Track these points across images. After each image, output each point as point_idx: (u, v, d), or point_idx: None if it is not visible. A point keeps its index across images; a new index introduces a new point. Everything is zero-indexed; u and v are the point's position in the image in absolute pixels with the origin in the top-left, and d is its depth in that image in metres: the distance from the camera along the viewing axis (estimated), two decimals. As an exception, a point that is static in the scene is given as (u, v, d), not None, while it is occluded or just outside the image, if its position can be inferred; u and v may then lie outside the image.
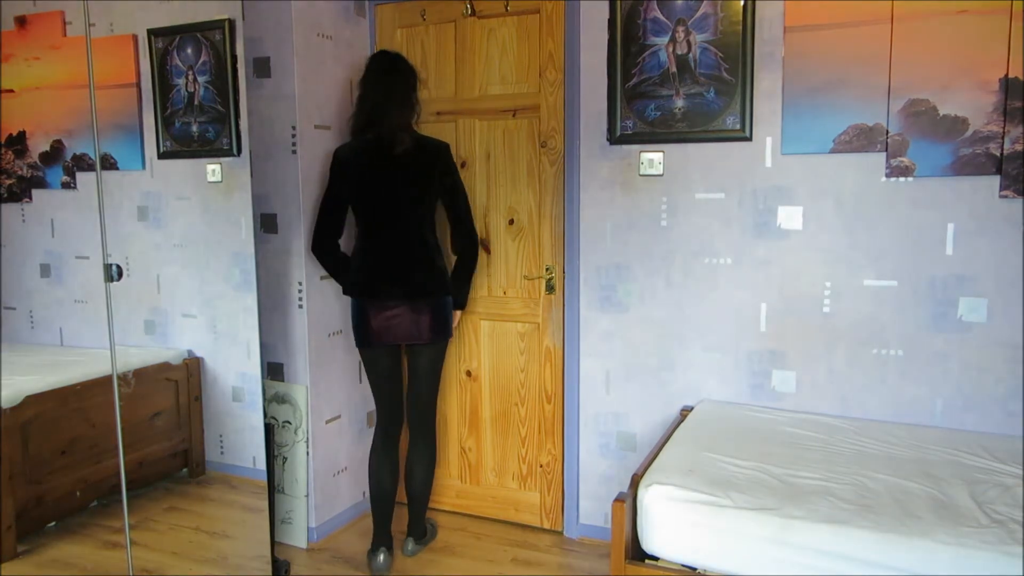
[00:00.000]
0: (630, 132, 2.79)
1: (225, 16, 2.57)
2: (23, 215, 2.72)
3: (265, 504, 2.67)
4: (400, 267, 2.66)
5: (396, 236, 2.66)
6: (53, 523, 2.61)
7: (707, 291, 2.76)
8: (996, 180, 2.34)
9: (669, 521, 1.99)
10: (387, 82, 2.62)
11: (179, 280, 2.74)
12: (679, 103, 2.70)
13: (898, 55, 2.41)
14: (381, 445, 2.81)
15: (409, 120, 2.65)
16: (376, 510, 2.81)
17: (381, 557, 2.76)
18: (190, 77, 2.63)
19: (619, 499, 2.04)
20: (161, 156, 2.67)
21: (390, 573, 2.78)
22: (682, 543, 1.98)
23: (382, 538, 2.80)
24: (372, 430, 3.33)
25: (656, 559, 2.04)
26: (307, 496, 2.98)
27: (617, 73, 2.78)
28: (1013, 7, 2.27)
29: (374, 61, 2.69)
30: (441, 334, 2.74)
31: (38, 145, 2.67)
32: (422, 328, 2.68)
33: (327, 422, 3.07)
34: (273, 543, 2.70)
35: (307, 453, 2.97)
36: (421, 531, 2.92)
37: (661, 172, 2.78)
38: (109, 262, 2.28)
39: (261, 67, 2.86)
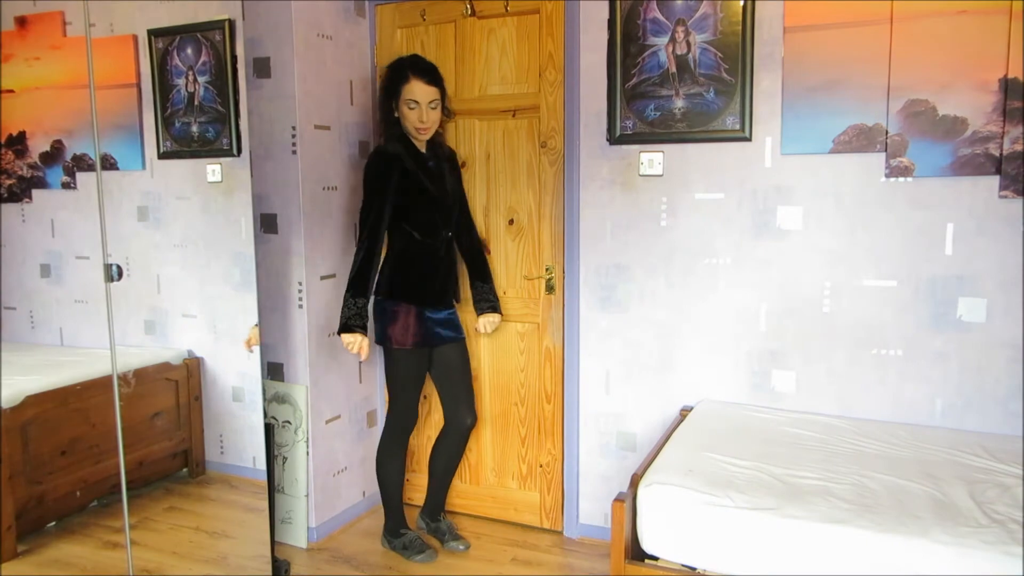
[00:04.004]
0: (630, 132, 2.79)
1: (225, 16, 2.56)
2: (23, 215, 2.72)
3: (265, 504, 2.68)
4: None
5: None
6: (53, 523, 2.61)
7: (707, 291, 2.76)
8: (996, 180, 2.35)
9: (669, 521, 1.99)
10: None
11: (179, 280, 2.74)
12: (679, 103, 2.70)
13: (898, 55, 2.41)
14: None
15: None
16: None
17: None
18: (190, 77, 2.63)
19: (619, 499, 2.04)
20: (161, 156, 2.67)
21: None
22: (682, 543, 1.98)
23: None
24: (372, 430, 3.34)
25: (656, 559, 2.04)
26: (307, 496, 2.98)
27: (617, 73, 2.78)
28: (1013, 7, 2.27)
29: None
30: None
31: (38, 145, 2.67)
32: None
33: (327, 422, 3.07)
34: (273, 543, 2.70)
35: (307, 453, 2.97)
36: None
37: (661, 172, 2.78)
38: (109, 262, 2.28)
39: (261, 67, 2.86)
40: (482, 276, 2.91)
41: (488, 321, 2.91)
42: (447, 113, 2.74)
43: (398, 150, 2.67)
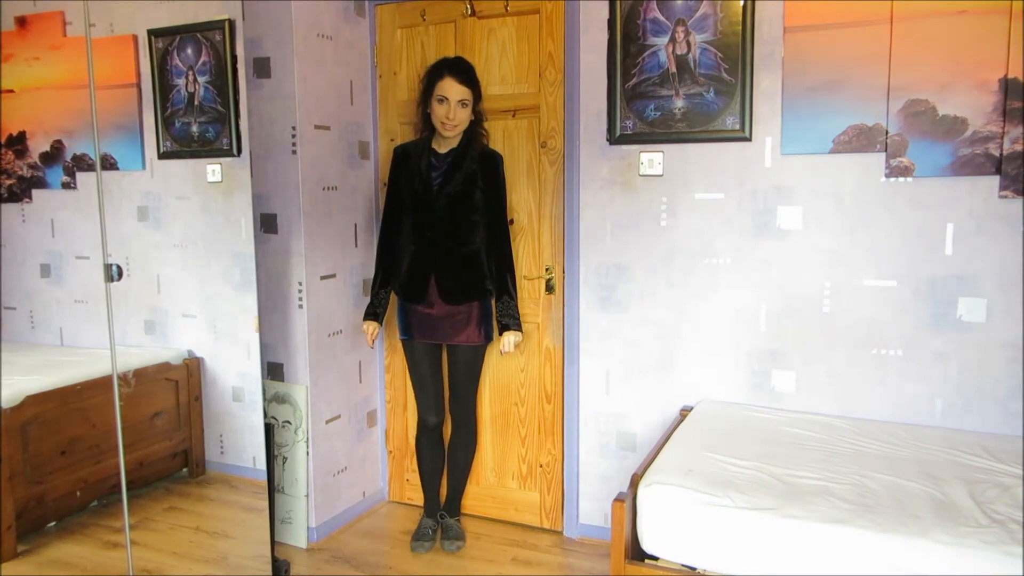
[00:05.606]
0: (630, 132, 2.79)
1: (225, 16, 2.56)
2: (23, 215, 2.72)
3: (265, 504, 2.68)
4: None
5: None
6: (53, 523, 2.60)
7: (707, 291, 2.76)
8: (995, 180, 2.35)
9: (669, 521, 1.99)
10: None
11: (179, 280, 2.74)
12: (679, 103, 2.70)
13: (897, 55, 2.41)
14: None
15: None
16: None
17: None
18: (190, 77, 2.63)
19: (619, 499, 2.04)
20: (161, 156, 2.67)
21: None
22: (682, 543, 1.98)
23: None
24: (372, 430, 3.34)
25: (656, 559, 2.04)
26: (307, 496, 2.99)
27: (617, 73, 2.78)
28: (1013, 7, 2.27)
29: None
30: None
31: (38, 145, 2.66)
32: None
33: (327, 422, 3.07)
34: (273, 543, 2.70)
35: (307, 453, 2.97)
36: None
37: (661, 172, 2.78)
38: (109, 262, 2.28)
39: (261, 67, 2.86)
40: (500, 291, 2.80)
41: (507, 340, 2.80)
42: (478, 116, 2.75)
43: (408, 148, 2.81)
